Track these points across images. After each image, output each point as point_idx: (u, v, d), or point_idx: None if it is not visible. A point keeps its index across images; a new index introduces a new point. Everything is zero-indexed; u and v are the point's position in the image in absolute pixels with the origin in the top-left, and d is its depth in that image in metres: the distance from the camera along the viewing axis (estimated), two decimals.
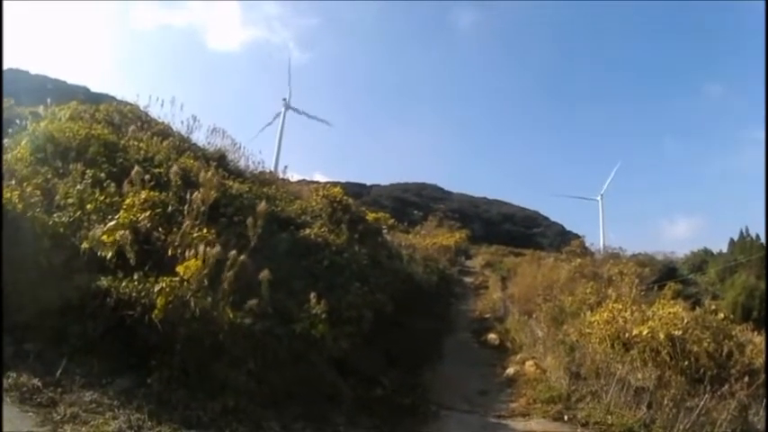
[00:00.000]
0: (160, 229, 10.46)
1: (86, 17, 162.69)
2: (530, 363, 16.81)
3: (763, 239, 55.32)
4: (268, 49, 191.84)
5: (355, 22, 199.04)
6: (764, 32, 55.33)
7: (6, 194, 9.27)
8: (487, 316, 27.57)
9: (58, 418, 6.91)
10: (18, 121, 14.42)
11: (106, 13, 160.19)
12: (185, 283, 8.92)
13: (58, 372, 7.77)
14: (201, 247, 9.38)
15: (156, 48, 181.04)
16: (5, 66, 13.36)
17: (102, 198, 10.96)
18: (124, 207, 10.52)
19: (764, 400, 11.82)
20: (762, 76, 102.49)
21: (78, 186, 11.09)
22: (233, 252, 9.67)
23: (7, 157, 11.33)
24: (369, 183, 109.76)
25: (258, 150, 32.73)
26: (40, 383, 7.43)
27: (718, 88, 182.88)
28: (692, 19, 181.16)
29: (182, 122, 21.47)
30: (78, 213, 10.27)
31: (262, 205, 11.95)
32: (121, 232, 9.47)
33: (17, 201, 9.34)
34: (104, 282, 8.92)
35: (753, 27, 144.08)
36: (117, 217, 10.11)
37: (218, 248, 9.46)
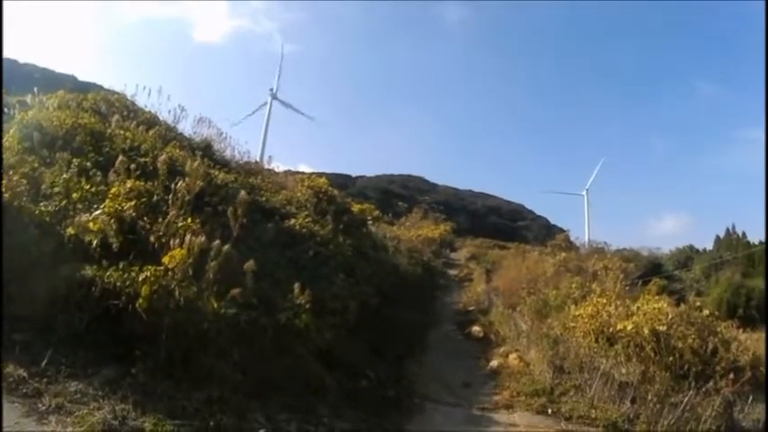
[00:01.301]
0: (145, 219, 10.40)
1: (74, 6, 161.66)
2: (513, 356, 16.93)
3: (749, 237, 55.70)
4: (252, 41, 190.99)
5: (341, 17, 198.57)
6: (764, 33, 55.50)
7: None
8: (472, 308, 27.72)
9: (44, 408, 6.90)
10: (6, 110, 14.37)
11: (94, 2, 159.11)
12: (170, 272, 8.90)
13: (44, 362, 7.76)
14: (186, 237, 9.36)
15: (143, 39, 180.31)
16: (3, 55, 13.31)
17: (87, 187, 10.92)
18: (110, 196, 10.46)
19: (765, 396, 11.93)
20: (762, 76, 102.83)
21: (65, 175, 11.07)
22: (217, 242, 9.64)
23: None
24: (354, 174, 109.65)
25: (244, 141, 32.73)
26: (26, 374, 7.42)
27: (708, 87, 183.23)
28: (681, 17, 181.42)
29: (169, 112, 21.48)
30: (64, 202, 10.25)
31: (243, 194, 11.93)
32: (104, 218, 9.46)
33: (4, 190, 9.32)
34: (89, 271, 8.90)
35: (745, 25, 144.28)
36: (102, 206, 10.08)
37: (202, 238, 9.43)
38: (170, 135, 19.10)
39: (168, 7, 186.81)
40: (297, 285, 10.85)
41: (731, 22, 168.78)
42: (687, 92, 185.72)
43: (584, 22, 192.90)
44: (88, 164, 12.09)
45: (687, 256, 63.27)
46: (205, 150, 19.30)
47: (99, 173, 11.66)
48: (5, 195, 9.25)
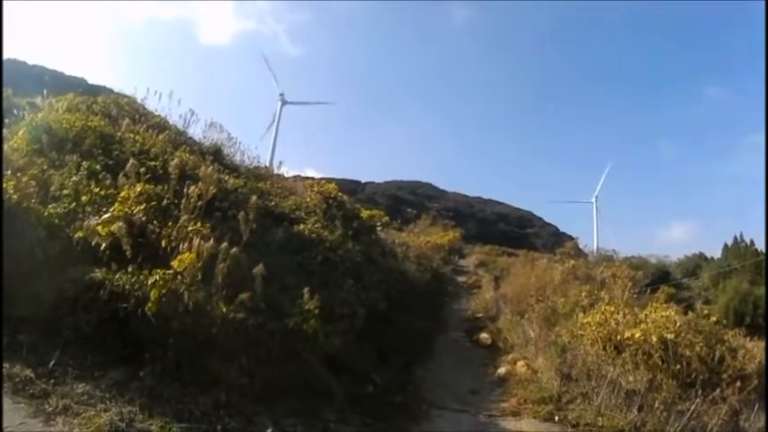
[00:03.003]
0: (155, 222, 10.43)
1: (82, 8, 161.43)
2: (521, 363, 16.85)
3: (757, 245, 55.51)
4: (259, 43, 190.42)
5: (348, 18, 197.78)
6: (764, 35, 55.43)
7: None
8: (480, 315, 27.55)
9: (51, 409, 6.96)
10: (15, 112, 14.42)
11: (100, 4, 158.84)
12: (179, 276, 8.93)
13: (51, 363, 7.79)
14: (196, 241, 9.39)
15: (149, 40, 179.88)
16: (3, 56, 13.34)
17: (97, 190, 10.95)
18: (119, 199, 10.50)
19: (764, 400, 11.91)
20: (762, 80, 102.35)
21: (74, 178, 11.10)
22: (226, 246, 9.66)
23: (4, 147, 11.32)
24: (363, 180, 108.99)
25: (254, 145, 32.78)
26: (32, 375, 7.47)
27: (717, 92, 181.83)
28: (690, 20, 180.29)
29: (180, 116, 21.52)
30: (73, 205, 10.30)
31: (254, 199, 11.95)
32: (118, 224, 9.48)
33: (13, 191, 9.36)
34: (98, 274, 8.95)
35: (753, 29, 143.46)
36: (112, 209, 10.11)
37: (212, 242, 9.46)
38: (180, 139, 19.16)
39: (174, 8, 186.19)
40: (306, 290, 10.80)
41: (740, 25, 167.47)
42: (696, 96, 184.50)
43: (592, 26, 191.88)
44: (98, 167, 12.12)
45: (695, 264, 63.00)
46: (215, 155, 19.32)
47: (108, 176, 11.69)
48: (14, 197, 9.28)
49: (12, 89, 16.95)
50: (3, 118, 12.98)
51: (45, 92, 16.53)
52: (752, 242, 57.55)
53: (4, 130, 12.51)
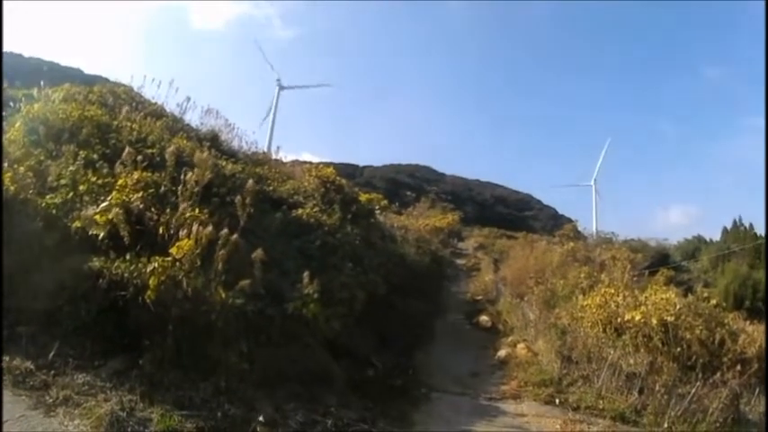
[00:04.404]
0: (153, 210, 10.40)
1: None
2: (521, 345, 16.90)
3: (756, 229, 55.47)
4: (252, 27, 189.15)
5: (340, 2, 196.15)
6: (764, 18, 55.50)
7: None
8: (479, 298, 27.61)
9: (51, 401, 6.98)
10: (12, 104, 14.37)
11: None
12: (178, 263, 8.92)
13: (51, 354, 7.80)
14: (194, 227, 9.37)
15: (143, 27, 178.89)
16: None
17: (94, 179, 10.93)
18: (117, 188, 10.49)
19: (765, 384, 11.94)
20: (762, 63, 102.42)
21: (71, 168, 11.08)
22: (225, 232, 9.64)
23: (1, 139, 11.30)
24: (361, 164, 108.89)
25: (251, 131, 32.72)
26: (32, 366, 7.49)
27: (718, 72, 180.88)
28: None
29: (177, 105, 21.45)
30: (71, 195, 10.28)
31: (250, 183, 11.92)
32: (116, 212, 9.46)
33: (10, 183, 9.37)
34: (97, 263, 8.95)
35: (754, 11, 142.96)
36: (110, 198, 10.09)
37: (210, 228, 9.43)
38: (177, 126, 19.11)
39: None
40: (305, 275, 10.80)
41: (742, 4, 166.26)
42: (696, 77, 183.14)
43: (593, 3, 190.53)
44: (95, 156, 12.09)
45: (695, 247, 62.88)
46: (212, 141, 19.28)
47: (106, 165, 11.67)
48: (11, 188, 9.27)
49: (8, 81, 16.91)
50: (1, 116, 12.96)
51: (42, 83, 16.46)
52: (751, 226, 57.49)
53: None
